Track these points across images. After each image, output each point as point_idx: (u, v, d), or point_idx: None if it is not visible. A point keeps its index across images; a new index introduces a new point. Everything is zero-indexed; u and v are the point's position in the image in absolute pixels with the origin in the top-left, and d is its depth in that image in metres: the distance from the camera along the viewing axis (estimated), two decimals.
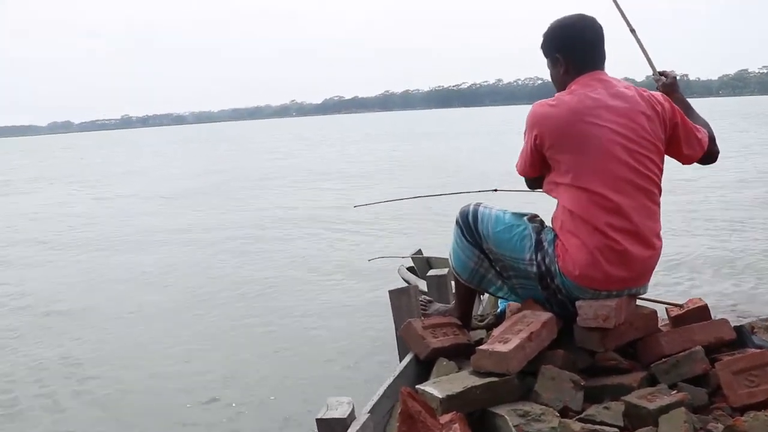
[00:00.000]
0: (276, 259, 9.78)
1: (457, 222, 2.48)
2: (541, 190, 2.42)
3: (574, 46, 2.29)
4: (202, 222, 13.54)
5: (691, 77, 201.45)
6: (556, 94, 2.30)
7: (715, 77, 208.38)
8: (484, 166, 20.18)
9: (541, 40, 2.41)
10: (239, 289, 8.17)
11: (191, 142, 61.74)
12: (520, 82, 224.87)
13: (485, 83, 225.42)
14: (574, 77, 2.29)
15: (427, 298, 3.04)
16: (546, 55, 2.40)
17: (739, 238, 9.13)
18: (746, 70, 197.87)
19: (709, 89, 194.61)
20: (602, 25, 2.35)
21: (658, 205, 2.28)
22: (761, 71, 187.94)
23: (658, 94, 2.34)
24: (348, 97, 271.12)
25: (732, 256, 8.17)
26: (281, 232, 12.01)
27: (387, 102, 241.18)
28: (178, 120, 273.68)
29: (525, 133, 2.33)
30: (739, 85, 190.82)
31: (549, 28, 2.39)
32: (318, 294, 7.79)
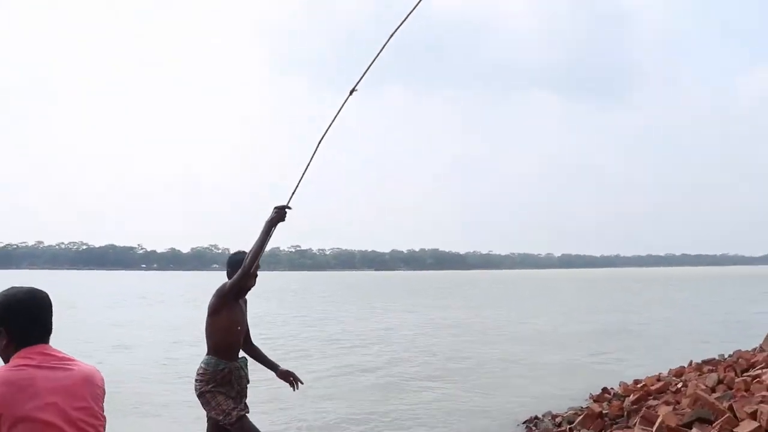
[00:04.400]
0: None
1: None
2: None
3: (18, 321, 2.30)
4: None
5: (233, 251, 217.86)
6: None
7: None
8: None
9: None
10: None
11: None
12: (63, 246, 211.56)
13: (23, 244, 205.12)
14: (17, 350, 2.29)
15: None
16: None
17: None
18: (278, 247, 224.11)
19: None
20: (50, 300, 2.41)
21: None
22: (290, 250, 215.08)
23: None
24: None
25: None
26: None
27: None
28: None
29: None
30: (272, 260, 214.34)
31: None
32: None
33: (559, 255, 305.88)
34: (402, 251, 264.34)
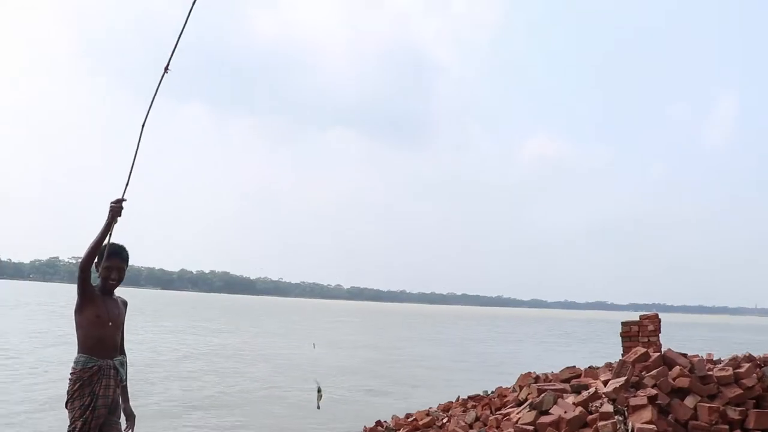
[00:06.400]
0: None
1: None
2: None
3: None
4: None
5: (3, 258, 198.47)
6: None
7: (27, 261, 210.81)
8: None
9: None
10: None
11: None
12: None
13: None
14: None
15: None
16: None
17: None
18: (57, 257, 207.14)
19: (21, 272, 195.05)
20: None
21: None
22: (70, 261, 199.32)
23: None
24: None
25: None
26: None
27: None
28: None
29: None
30: (49, 271, 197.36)
31: None
32: None
33: (348, 287, 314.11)
34: (191, 272, 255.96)
